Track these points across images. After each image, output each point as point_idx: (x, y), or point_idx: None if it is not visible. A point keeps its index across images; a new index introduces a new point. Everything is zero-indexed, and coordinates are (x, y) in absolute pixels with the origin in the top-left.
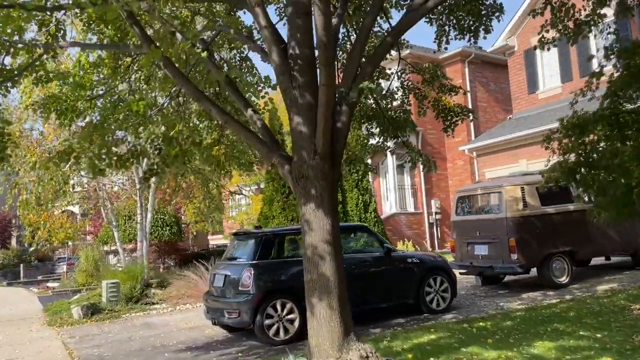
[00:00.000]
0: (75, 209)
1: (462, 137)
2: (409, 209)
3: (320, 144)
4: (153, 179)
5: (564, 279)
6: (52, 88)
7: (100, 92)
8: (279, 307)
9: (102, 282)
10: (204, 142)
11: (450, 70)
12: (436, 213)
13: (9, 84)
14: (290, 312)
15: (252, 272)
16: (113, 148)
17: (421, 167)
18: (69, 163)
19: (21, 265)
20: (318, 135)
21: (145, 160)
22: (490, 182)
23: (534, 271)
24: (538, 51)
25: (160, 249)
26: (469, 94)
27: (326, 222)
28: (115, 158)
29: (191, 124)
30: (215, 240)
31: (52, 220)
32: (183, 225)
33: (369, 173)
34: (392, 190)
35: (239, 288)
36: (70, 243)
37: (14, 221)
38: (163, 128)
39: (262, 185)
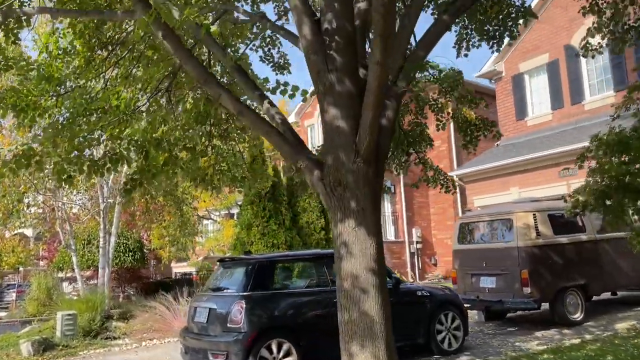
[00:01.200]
0: (29, 232)
1: (443, 164)
2: (389, 237)
3: (365, 143)
4: (119, 199)
5: (577, 316)
6: (8, 78)
7: (70, 88)
8: (274, 349)
9: (57, 314)
10: (198, 148)
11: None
12: (417, 242)
13: None
14: (288, 354)
15: (244, 305)
16: (86, 150)
17: (403, 194)
18: (30, 168)
19: None
20: (362, 131)
21: (125, 168)
22: (497, 208)
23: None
24: (527, 77)
25: (120, 277)
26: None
27: (370, 245)
28: (88, 163)
29: (183, 124)
30: (179, 268)
31: (1, 243)
32: (146, 251)
33: None
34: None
35: (228, 325)
36: (21, 268)
37: None
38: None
39: (232, 210)
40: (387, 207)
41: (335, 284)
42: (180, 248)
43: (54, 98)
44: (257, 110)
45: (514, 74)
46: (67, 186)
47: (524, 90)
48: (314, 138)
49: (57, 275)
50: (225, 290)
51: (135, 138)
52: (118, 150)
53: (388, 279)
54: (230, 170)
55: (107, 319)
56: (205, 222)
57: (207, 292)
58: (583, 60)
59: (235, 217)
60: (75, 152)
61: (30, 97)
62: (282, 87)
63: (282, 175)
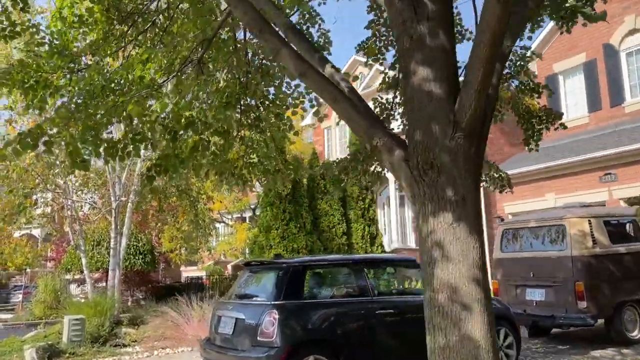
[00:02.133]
0: (37, 232)
1: None
2: (410, 245)
3: (469, 112)
4: (132, 198)
5: (636, 334)
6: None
7: (85, 66)
8: None
9: (64, 318)
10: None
11: None
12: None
13: None
14: None
15: (277, 316)
16: (104, 131)
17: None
18: (36, 150)
19: None
20: (465, 95)
21: (140, 162)
22: (547, 212)
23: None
24: (561, 77)
25: (129, 280)
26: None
27: (472, 246)
28: (105, 145)
29: (216, 105)
30: (189, 272)
31: (7, 243)
32: (156, 254)
33: (375, 202)
34: (393, 224)
35: (258, 338)
36: (28, 270)
37: None
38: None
39: (245, 214)
40: (407, 213)
41: (375, 292)
42: (192, 250)
43: (68, 75)
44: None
45: (547, 74)
46: (81, 172)
47: (558, 91)
48: (330, 141)
49: (64, 277)
50: (254, 298)
51: (163, 115)
52: (141, 130)
53: None
54: (262, 162)
55: (116, 324)
56: (216, 225)
57: (233, 299)
58: (623, 59)
59: (247, 220)
60: (92, 131)
61: (40, 73)
62: None
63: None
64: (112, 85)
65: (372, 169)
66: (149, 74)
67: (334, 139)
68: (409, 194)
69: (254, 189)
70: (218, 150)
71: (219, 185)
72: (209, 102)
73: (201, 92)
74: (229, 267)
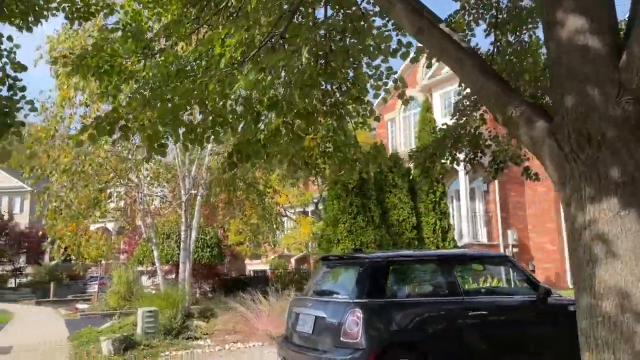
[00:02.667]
0: (110, 226)
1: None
2: (481, 240)
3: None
4: (201, 191)
5: None
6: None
7: (158, 50)
8: None
9: (138, 310)
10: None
11: None
12: (513, 246)
13: (31, 19)
14: None
15: (362, 315)
16: (183, 114)
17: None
18: (113, 135)
19: (52, 283)
20: (638, 47)
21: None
22: None
23: None
24: None
25: (197, 272)
26: None
27: None
28: (184, 129)
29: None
30: (253, 266)
31: (83, 235)
32: (223, 247)
33: (446, 195)
34: (463, 218)
35: (341, 338)
36: (103, 261)
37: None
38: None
39: (308, 208)
40: (479, 207)
41: (465, 292)
42: (257, 243)
43: (142, 61)
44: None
45: None
46: (152, 165)
47: None
48: (394, 133)
49: (136, 269)
50: (334, 296)
51: (245, 95)
52: (221, 112)
53: (530, 289)
54: (341, 150)
55: (187, 317)
56: (283, 218)
57: (311, 296)
58: None
59: (309, 214)
60: (170, 115)
61: (115, 58)
62: (403, 49)
63: None
64: (188, 68)
65: (462, 155)
66: (229, 51)
67: (398, 131)
68: (556, 176)
69: (316, 183)
70: (301, 132)
71: (292, 175)
72: (292, 81)
73: (285, 70)
74: (293, 260)
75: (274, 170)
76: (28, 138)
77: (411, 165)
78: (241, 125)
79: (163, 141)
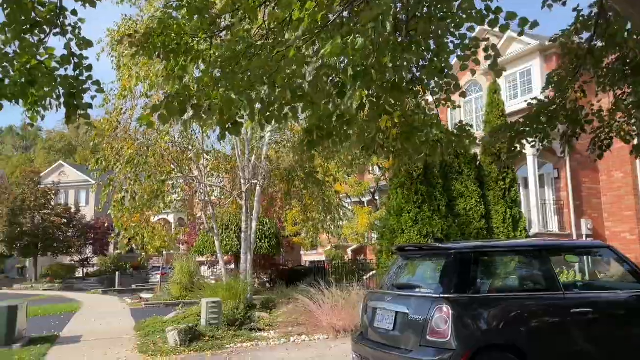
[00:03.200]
0: (171, 218)
1: (621, 145)
2: (552, 230)
3: None
4: (260, 181)
5: None
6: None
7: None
8: None
9: (202, 301)
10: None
11: None
12: (587, 236)
13: None
14: None
15: (451, 312)
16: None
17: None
18: (185, 115)
19: (117, 273)
20: None
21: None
22: None
23: None
24: None
25: (255, 263)
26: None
27: None
28: (259, 106)
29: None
30: (309, 257)
31: (147, 226)
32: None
33: (517, 182)
34: (532, 206)
35: (428, 337)
36: (165, 252)
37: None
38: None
39: (364, 198)
40: (548, 194)
41: (565, 287)
42: (317, 234)
43: (209, 40)
44: None
45: None
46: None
47: None
48: (454, 119)
49: (196, 260)
50: (417, 290)
51: (327, 64)
52: (300, 85)
53: (636, 282)
54: (421, 130)
55: (249, 308)
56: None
57: (390, 289)
58: None
59: (365, 204)
60: (248, 90)
61: (182, 35)
62: (491, 16)
63: None
64: (259, 44)
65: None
66: (308, 15)
67: (459, 117)
68: None
69: (373, 172)
70: (389, 108)
71: (353, 163)
72: (377, 48)
73: (373, 34)
74: (349, 251)
75: (335, 158)
76: (92, 131)
77: (478, 152)
78: (322, 101)
79: (238, 119)
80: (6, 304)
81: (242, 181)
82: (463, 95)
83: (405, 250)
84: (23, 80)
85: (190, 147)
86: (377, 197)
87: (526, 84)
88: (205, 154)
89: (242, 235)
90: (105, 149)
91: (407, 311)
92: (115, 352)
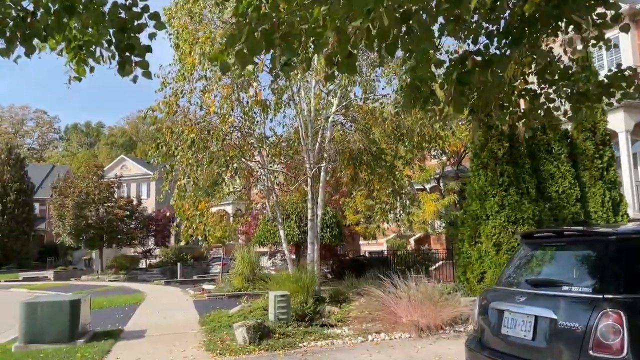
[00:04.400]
0: (229, 209)
1: None
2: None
3: None
4: (324, 165)
5: None
6: None
7: None
8: None
9: (269, 294)
10: None
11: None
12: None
13: None
14: None
15: (624, 318)
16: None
17: None
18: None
19: (178, 264)
20: None
21: None
22: None
23: None
24: None
25: None
26: None
27: None
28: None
29: None
30: (368, 247)
31: (210, 215)
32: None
33: (614, 156)
34: (626, 187)
35: (591, 352)
36: (225, 243)
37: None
38: None
39: (427, 185)
40: (632, 175)
41: None
42: (387, 221)
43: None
44: None
45: None
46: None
47: None
48: None
49: (257, 250)
50: (566, 288)
51: None
52: None
53: None
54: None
55: (318, 301)
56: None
57: (518, 287)
58: None
59: (429, 191)
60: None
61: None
62: None
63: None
64: None
65: None
66: None
67: None
68: None
69: (436, 157)
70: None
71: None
72: None
73: None
74: (412, 241)
75: (407, 141)
76: (151, 115)
77: (569, 127)
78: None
79: (351, 50)
80: (69, 298)
81: (307, 166)
82: (625, 28)
83: (534, 237)
84: (57, 6)
85: (251, 131)
86: (441, 184)
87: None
88: (266, 139)
89: (309, 223)
90: (165, 133)
91: (555, 316)
92: (181, 350)
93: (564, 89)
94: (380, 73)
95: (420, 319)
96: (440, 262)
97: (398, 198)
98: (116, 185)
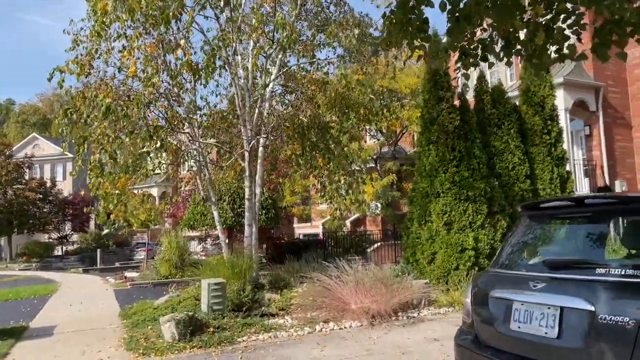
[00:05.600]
0: (154, 192)
1: None
2: (584, 192)
3: None
4: (263, 140)
5: None
6: None
7: None
8: None
9: (203, 282)
10: None
11: None
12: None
13: None
14: None
15: None
16: None
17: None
18: None
19: (98, 250)
20: None
21: None
22: None
23: None
24: None
25: None
26: None
27: None
28: None
29: None
30: (302, 229)
31: (133, 195)
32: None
33: (562, 132)
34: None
35: None
36: (150, 227)
37: (94, 205)
38: None
39: (369, 165)
40: (577, 154)
41: None
42: (347, 204)
43: None
44: None
45: None
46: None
47: None
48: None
49: (185, 234)
50: (601, 271)
51: None
52: None
53: None
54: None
55: (257, 288)
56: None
57: (532, 269)
58: None
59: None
60: None
61: None
62: None
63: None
64: None
65: None
66: None
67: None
68: None
69: (374, 137)
70: None
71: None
72: None
73: None
74: (348, 223)
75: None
76: (58, 77)
77: (517, 102)
78: None
79: None
80: None
81: (245, 139)
82: None
83: (540, 209)
84: None
85: (180, 99)
86: (378, 165)
87: None
88: (198, 109)
89: (246, 203)
90: (76, 98)
91: (591, 307)
92: (96, 350)
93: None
94: (323, 39)
95: (371, 305)
96: (378, 244)
97: (351, 176)
98: (27, 165)
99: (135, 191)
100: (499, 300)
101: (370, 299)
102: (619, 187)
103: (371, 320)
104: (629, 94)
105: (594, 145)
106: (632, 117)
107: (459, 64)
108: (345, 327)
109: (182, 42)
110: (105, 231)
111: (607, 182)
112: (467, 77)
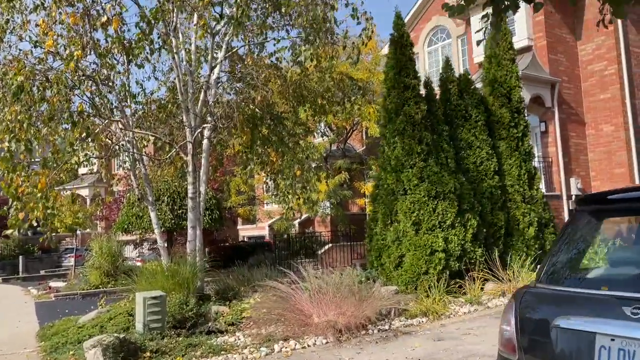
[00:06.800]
0: (84, 193)
1: (611, 94)
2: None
3: None
4: (207, 133)
5: None
6: None
7: None
8: None
9: (137, 296)
10: None
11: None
12: (577, 197)
13: None
14: None
15: None
16: None
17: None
18: None
19: (20, 257)
20: None
21: None
22: None
23: None
24: None
25: None
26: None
27: None
28: None
29: None
30: (247, 231)
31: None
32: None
33: (529, 125)
34: None
35: None
36: (79, 231)
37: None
38: None
39: (313, 164)
40: (534, 150)
41: None
42: (293, 199)
43: None
44: None
45: None
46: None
47: None
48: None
49: (119, 239)
50: None
51: None
52: None
53: None
54: None
55: (202, 300)
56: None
57: (627, 288)
58: None
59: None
60: None
61: None
62: None
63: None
64: None
65: None
66: None
67: (422, 65)
68: None
69: (324, 135)
70: None
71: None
72: None
73: None
74: (296, 224)
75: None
76: None
77: (483, 93)
78: None
79: None
80: None
81: (188, 130)
82: None
83: (612, 202)
84: None
85: (110, 82)
86: (328, 163)
87: None
88: (132, 97)
89: (189, 203)
90: None
91: None
92: None
93: None
94: (271, 22)
95: (338, 319)
96: (328, 246)
97: (306, 173)
98: None
99: (63, 192)
100: (569, 332)
101: (335, 310)
102: (574, 185)
103: (338, 336)
104: (582, 90)
105: (550, 142)
106: (585, 114)
107: (486, 10)
108: (309, 345)
109: (107, 6)
110: (10, 231)
111: (563, 179)
112: (497, 27)
